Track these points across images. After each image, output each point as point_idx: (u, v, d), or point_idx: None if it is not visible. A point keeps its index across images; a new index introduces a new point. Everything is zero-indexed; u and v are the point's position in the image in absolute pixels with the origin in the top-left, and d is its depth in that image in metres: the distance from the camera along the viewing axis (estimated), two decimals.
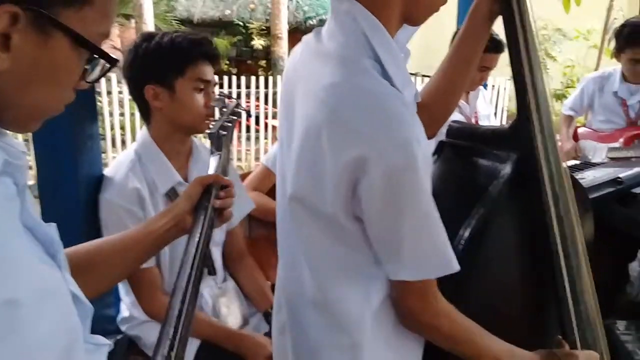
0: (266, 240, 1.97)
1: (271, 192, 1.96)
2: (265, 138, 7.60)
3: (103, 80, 5.94)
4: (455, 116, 2.52)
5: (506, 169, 1.07)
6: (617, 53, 2.83)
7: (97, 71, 0.69)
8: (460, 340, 0.99)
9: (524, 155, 1.08)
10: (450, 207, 1.11)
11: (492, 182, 1.07)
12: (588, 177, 2.36)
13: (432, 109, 1.17)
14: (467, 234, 1.03)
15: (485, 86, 3.04)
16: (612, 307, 2.49)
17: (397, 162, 0.84)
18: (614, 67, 2.99)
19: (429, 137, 1.27)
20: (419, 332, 1.02)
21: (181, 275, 0.90)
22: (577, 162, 2.81)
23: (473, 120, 2.77)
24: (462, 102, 2.61)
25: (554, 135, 1.08)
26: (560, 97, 5.87)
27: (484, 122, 2.84)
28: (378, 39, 0.92)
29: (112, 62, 0.68)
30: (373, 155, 0.84)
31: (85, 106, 1.64)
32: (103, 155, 3.56)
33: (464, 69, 1.16)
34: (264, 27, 10.96)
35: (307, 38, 1.05)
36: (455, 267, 0.92)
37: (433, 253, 0.92)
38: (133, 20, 9.29)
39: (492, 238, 1.08)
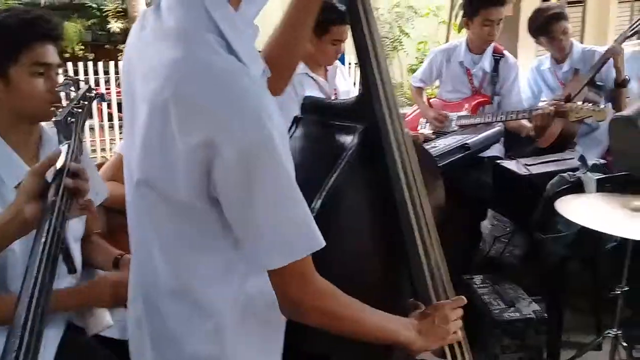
0: (124, 231, 1.86)
1: None
2: None
3: None
4: (315, 93, 2.54)
5: (354, 140, 1.10)
6: (468, 20, 2.98)
7: None
8: (345, 319, 0.97)
9: (371, 126, 1.10)
10: (306, 182, 1.11)
11: (342, 153, 1.08)
12: (439, 145, 2.51)
13: (275, 64, 1.15)
14: (318, 205, 1.03)
15: (342, 62, 3.11)
16: (469, 263, 2.70)
17: (251, 139, 0.81)
18: (460, 39, 3.18)
19: (276, 95, 1.28)
20: (301, 318, 0.97)
21: (27, 277, 0.82)
22: (431, 131, 2.99)
23: (333, 97, 2.82)
24: (321, 79, 2.64)
25: (398, 107, 1.12)
26: (415, 71, 6.20)
27: (344, 98, 2.90)
28: (220, 13, 0.88)
29: None
30: (224, 135, 0.81)
31: None
32: None
33: (300, 19, 1.16)
34: (120, 9, 10.31)
35: (146, 13, 0.98)
36: (321, 242, 0.90)
37: (298, 231, 0.89)
38: None
39: (343, 208, 1.10)
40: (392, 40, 6.46)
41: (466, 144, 2.45)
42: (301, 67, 2.58)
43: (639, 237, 1.86)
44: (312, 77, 2.58)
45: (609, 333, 2.13)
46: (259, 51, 1.23)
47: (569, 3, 9.36)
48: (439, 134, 2.87)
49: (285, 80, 1.24)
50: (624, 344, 2.16)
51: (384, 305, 1.13)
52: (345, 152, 1.08)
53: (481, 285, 2.46)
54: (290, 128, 1.21)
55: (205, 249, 0.93)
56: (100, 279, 1.51)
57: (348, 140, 1.10)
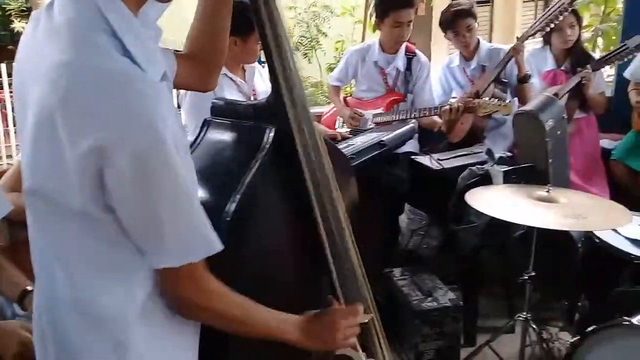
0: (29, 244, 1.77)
1: None
2: None
3: None
4: (234, 94, 2.52)
5: (266, 142, 1.10)
6: (379, 21, 3.07)
7: None
8: (235, 319, 0.99)
9: (281, 127, 1.11)
10: (219, 185, 1.11)
11: (254, 155, 1.08)
12: (356, 143, 2.56)
13: (198, 58, 1.18)
14: (232, 208, 1.03)
15: (261, 63, 3.09)
16: (389, 257, 2.78)
17: (142, 144, 0.80)
18: (374, 39, 3.26)
19: (208, 89, 1.29)
20: (195, 318, 1.00)
21: None
22: (348, 129, 3.04)
23: (252, 98, 2.81)
24: (239, 80, 2.62)
25: (307, 108, 1.13)
26: (333, 69, 6.29)
27: (262, 98, 2.89)
28: (115, 14, 0.85)
29: None
30: (114, 141, 0.79)
31: None
32: None
33: (215, 9, 1.17)
34: (24, 8, 9.73)
35: (37, 13, 0.94)
36: (218, 246, 0.91)
37: (193, 235, 0.89)
38: None
39: (259, 208, 1.10)
40: (309, 39, 6.52)
41: (382, 141, 2.51)
42: None
43: (542, 225, 1.99)
44: (230, 78, 2.56)
45: (519, 316, 2.26)
46: (178, 50, 1.22)
47: (478, 2, 9.85)
48: (356, 131, 2.92)
49: (214, 75, 1.25)
50: (534, 327, 2.29)
51: (301, 301, 1.15)
52: (257, 154, 1.08)
53: (400, 278, 2.53)
54: (201, 131, 1.19)
55: (104, 259, 0.91)
56: (7, 331, 1.40)
57: (260, 141, 1.10)
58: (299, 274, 1.20)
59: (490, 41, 5.24)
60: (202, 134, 1.19)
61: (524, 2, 9.41)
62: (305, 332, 1.07)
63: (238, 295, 0.99)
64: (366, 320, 1.24)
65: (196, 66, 1.17)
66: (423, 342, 2.31)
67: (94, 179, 0.82)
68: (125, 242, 0.89)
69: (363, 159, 2.44)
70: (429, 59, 3.57)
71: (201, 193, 1.06)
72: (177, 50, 1.19)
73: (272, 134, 1.11)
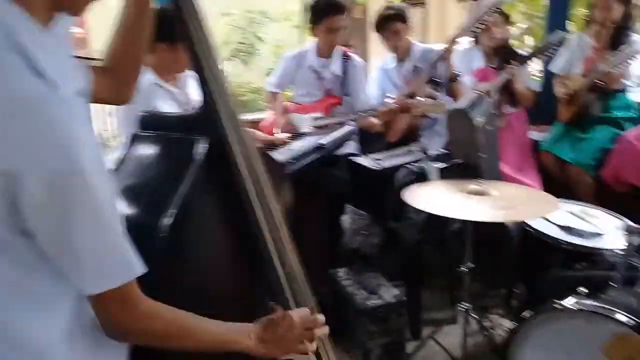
0: None
1: None
2: None
3: None
4: (167, 103, 2.49)
5: (198, 154, 1.10)
6: (313, 27, 3.12)
7: None
8: (177, 337, 0.97)
9: (213, 137, 1.12)
10: (151, 201, 1.10)
11: (186, 167, 1.08)
12: (296, 147, 2.59)
13: (117, 69, 1.17)
14: (167, 223, 1.02)
15: None
16: (334, 258, 2.81)
17: (57, 169, 0.77)
18: (310, 44, 3.29)
19: (124, 102, 1.28)
20: (132, 341, 0.98)
21: None
22: (289, 134, 3.05)
23: (187, 107, 2.78)
24: (173, 89, 2.59)
25: (238, 117, 1.14)
26: None
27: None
28: (22, 30, 0.82)
29: None
30: (26, 166, 0.76)
31: None
32: None
33: (133, 21, 1.16)
34: None
35: None
36: (139, 270, 0.89)
37: (112, 260, 0.87)
38: None
39: (195, 223, 1.09)
40: (247, 45, 6.50)
41: (321, 144, 2.55)
42: (151, 78, 2.51)
43: (475, 218, 2.07)
44: (163, 87, 2.53)
45: (460, 307, 2.33)
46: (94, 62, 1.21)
47: (412, 4, 10.08)
48: (295, 136, 2.95)
49: (130, 87, 1.23)
50: (474, 316, 2.38)
51: (243, 310, 1.16)
52: (189, 166, 1.08)
53: (345, 278, 2.57)
54: (129, 145, 1.18)
55: (23, 285, 0.88)
56: None
57: (191, 153, 1.10)
58: (239, 284, 1.20)
59: (424, 42, 5.37)
60: (130, 148, 1.17)
61: (458, 1, 9.68)
62: (261, 339, 1.07)
63: (177, 312, 0.97)
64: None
65: (112, 79, 1.14)
66: (370, 340, 2.35)
67: (5, 206, 0.79)
68: (45, 267, 0.86)
69: (303, 162, 2.47)
70: (367, 61, 3.65)
71: (132, 210, 1.05)
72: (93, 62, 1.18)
73: (203, 145, 1.11)
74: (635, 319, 1.68)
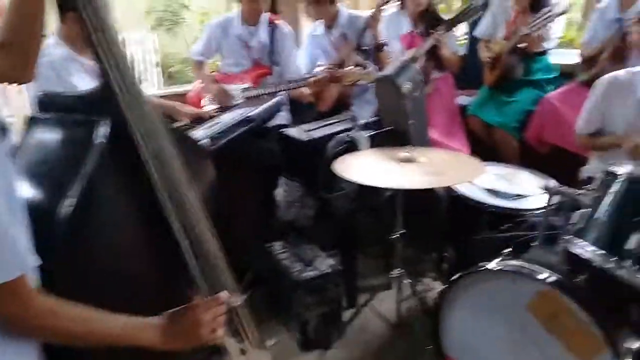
0: None
1: None
2: None
3: None
4: (82, 77, 2.35)
5: (99, 137, 1.03)
6: None
7: None
8: (76, 334, 0.94)
9: (114, 117, 1.04)
10: (52, 186, 1.02)
11: (87, 152, 1.01)
12: (224, 120, 2.51)
13: (15, 44, 1.13)
14: (67, 210, 0.95)
15: None
16: (270, 231, 2.79)
17: None
18: (235, 11, 3.18)
19: (25, 80, 1.22)
20: (35, 337, 0.95)
21: None
22: (216, 107, 2.96)
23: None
24: (89, 63, 2.44)
25: (142, 95, 1.06)
26: None
27: None
28: None
29: None
30: None
31: None
32: None
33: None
34: None
35: None
36: (30, 263, 0.86)
37: (2, 254, 0.83)
38: None
39: (100, 209, 1.03)
40: (172, 14, 6.24)
41: (249, 116, 2.48)
42: (63, 51, 2.36)
43: (403, 185, 2.08)
44: (79, 61, 2.38)
45: (393, 273, 2.37)
46: None
47: None
48: (223, 108, 2.86)
49: (30, 64, 1.18)
50: (408, 281, 2.43)
51: (166, 301, 1.11)
52: (90, 150, 1.01)
53: (281, 251, 2.55)
54: (26, 130, 1.09)
55: None
56: None
57: (92, 135, 1.02)
58: (156, 271, 1.15)
59: (356, 8, 5.33)
60: (28, 133, 1.08)
61: None
62: (165, 333, 1.03)
63: (76, 307, 0.94)
64: (234, 306, 1.23)
65: (9, 55, 1.08)
66: (307, 311, 2.36)
67: None
68: None
69: (231, 136, 2.41)
70: (298, 29, 3.58)
71: (32, 196, 0.98)
72: None
73: (104, 126, 1.03)
74: (557, 276, 1.75)
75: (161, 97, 3.34)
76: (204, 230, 1.16)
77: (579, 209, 1.82)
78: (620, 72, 2.37)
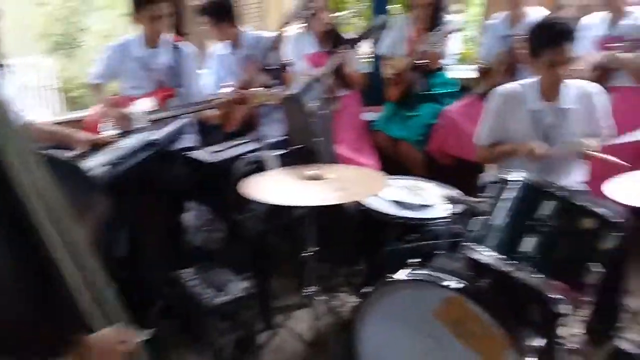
0: None
1: None
2: None
3: None
4: None
5: None
6: (136, 15, 2.91)
7: None
8: None
9: None
10: None
11: None
12: (125, 145, 2.41)
13: None
14: None
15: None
16: (179, 258, 2.70)
17: None
18: (134, 33, 3.08)
19: None
20: None
21: None
22: (116, 132, 2.85)
23: None
24: None
25: (10, 123, 0.99)
26: None
27: None
28: None
29: None
30: None
31: None
32: None
33: None
34: None
35: None
36: None
37: None
38: None
39: None
40: (69, 37, 5.98)
41: (152, 140, 2.40)
42: None
43: (311, 203, 2.09)
44: None
45: (306, 291, 2.36)
46: None
47: None
48: (125, 133, 2.75)
49: None
50: (323, 298, 2.42)
51: (47, 336, 1.03)
52: None
53: (191, 278, 2.47)
54: None
55: None
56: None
57: None
58: (37, 311, 1.06)
59: (265, 28, 5.35)
60: None
61: None
62: None
63: None
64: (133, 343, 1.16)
65: None
66: (221, 337, 2.29)
67: None
68: None
69: (133, 161, 2.31)
70: (204, 49, 3.53)
71: None
72: None
73: None
74: (461, 282, 1.81)
75: (60, 123, 3.18)
76: (92, 265, 1.08)
77: (478, 216, 1.90)
78: (512, 85, 2.51)
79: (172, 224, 2.70)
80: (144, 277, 2.52)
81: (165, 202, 2.64)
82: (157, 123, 2.88)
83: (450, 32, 3.18)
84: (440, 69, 3.48)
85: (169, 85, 3.05)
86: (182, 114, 2.90)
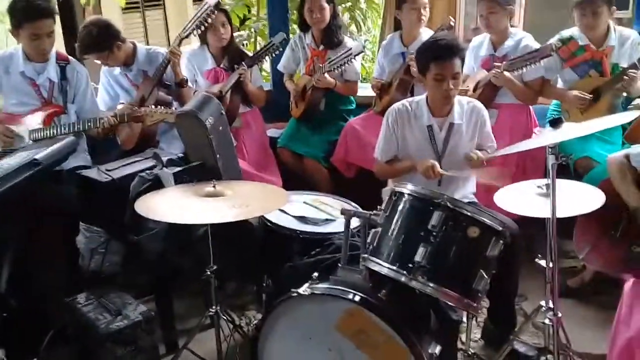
0: None
1: None
2: None
3: None
4: None
5: None
6: (16, 32, 2.76)
7: None
8: None
9: None
10: None
11: None
12: (4, 165, 2.24)
13: None
14: None
15: None
16: (72, 284, 2.53)
17: None
18: (16, 47, 2.89)
19: None
20: None
21: None
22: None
23: None
24: None
25: None
26: None
27: None
28: None
29: None
30: None
31: None
32: None
33: None
34: None
35: None
36: None
37: None
38: None
39: None
40: None
41: (35, 159, 2.23)
42: None
43: (209, 220, 2.05)
44: None
45: (210, 311, 2.28)
46: None
47: (148, 6, 9.75)
48: (5, 152, 2.56)
49: None
50: (226, 317, 2.36)
51: None
52: None
53: (86, 303, 2.33)
54: None
55: None
56: None
57: None
58: None
59: (167, 42, 5.22)
60: None
61: (194, 2, 9.67)
62: None
63: None
64: None
65: None
66: None
67: None
68: None
69: (14, 182, 2.15)
70: (98, 67, 3.36)
71: None
72: None
73: None
74: (360, 294, 1.83)
75: None
76: None
77: (375, 228, 1.94)
78: (405, 101, 2.60)
79: (64, 247, 2.53)
80: (37, 304, 2.35)
81: (55, 225, 2.48)
82: (42, 141, 2.70)
83: (351, 55, 3.23)
84: None
85: (58, 102, 2.89)
86: (70, 132, 2.75)
